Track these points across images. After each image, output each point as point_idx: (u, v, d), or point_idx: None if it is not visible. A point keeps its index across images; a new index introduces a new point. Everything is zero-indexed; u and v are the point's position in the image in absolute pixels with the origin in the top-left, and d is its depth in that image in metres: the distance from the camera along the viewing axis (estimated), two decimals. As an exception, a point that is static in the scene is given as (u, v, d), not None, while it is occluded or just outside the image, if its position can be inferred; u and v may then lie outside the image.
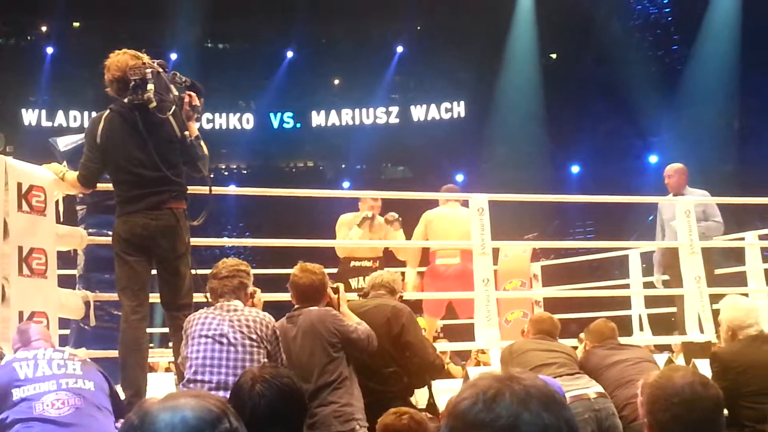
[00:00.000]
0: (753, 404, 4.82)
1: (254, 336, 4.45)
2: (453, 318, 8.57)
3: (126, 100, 4.96)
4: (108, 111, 5.06)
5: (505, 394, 1.54)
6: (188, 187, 5.17)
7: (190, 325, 4.56)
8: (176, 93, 5.06)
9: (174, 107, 5.01)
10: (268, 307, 5.05)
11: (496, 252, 8.60)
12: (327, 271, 5.36)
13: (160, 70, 4.99)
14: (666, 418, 2.79)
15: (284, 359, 4.68)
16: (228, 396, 3.76)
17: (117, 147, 5.00)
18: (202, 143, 5.18)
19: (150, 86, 4.86)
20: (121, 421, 4.18)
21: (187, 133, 5.06)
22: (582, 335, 6.51)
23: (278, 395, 3.29)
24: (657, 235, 8.58)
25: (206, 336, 4.44)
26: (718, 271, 8.78)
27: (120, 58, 5.00)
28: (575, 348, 6.35)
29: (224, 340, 4.41)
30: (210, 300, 4.77)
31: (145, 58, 5.03)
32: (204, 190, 5.38)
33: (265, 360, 4.46)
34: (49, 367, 4.02)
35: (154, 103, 4.87)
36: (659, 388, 2.86)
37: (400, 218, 8.26)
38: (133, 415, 1.67)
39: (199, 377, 4.35)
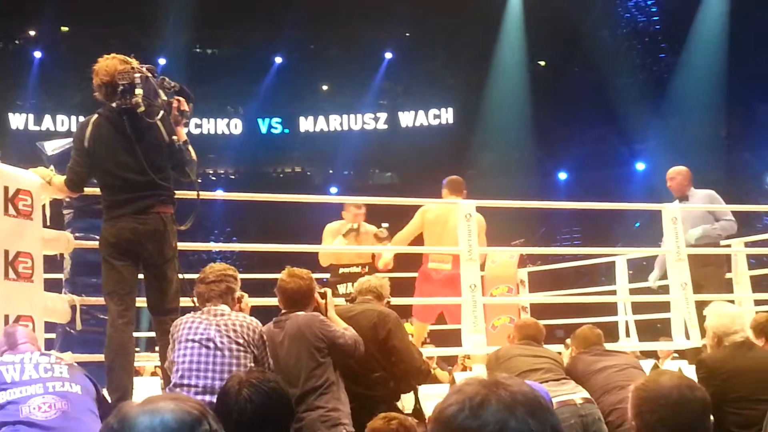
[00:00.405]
0: (739, 410, 4.84)
1: (241, 340, 4.46)
2: (441, 323, 8.58)
3: (114, 105, 4.96)
4: (96, 115, 5.06)
5: (492, 400, 1.54)
6: (176, 192, 5.17)
7: (176, 330, 4.55)
8: (165, 98, 5.06)
9: (162, 112, 5.01)
10: (255, 311, 5.05)
11: (483, 258, 8.62)
12: (315, 276, 5.37)
13: (149, 74, 4.99)
14: (653, 421, 2.80)
15: (271, 364, 4.68)
16: (215, 400, 3.78)
17: (105, 151, 5.00)
18: (190, 148, 5.18)
19: (138, 91, 4.86)
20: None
21: (175, 137, 5.06)
22: (568, 341, 6.53)
23: (265, 400, 3.29)
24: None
25: (193, 340, 4.44)
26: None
27: (108, 63, 5.00)
28: (560, 354, 6.36)
29: (211, 345, 4.41)
30: (197, 304, 4.77)
31: (134, 62, 5.03)
32: (191, 194, 5.38)
33: (252, 365, 4.47)
34: (36, 371, 4.02)
35: (143, 108, 4.87)
36: (646, 391, 2.87)
37: (388, 234, 8.28)
38: (112, 419, 1.67)
39: (185, 381, 4.35)
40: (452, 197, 8.00)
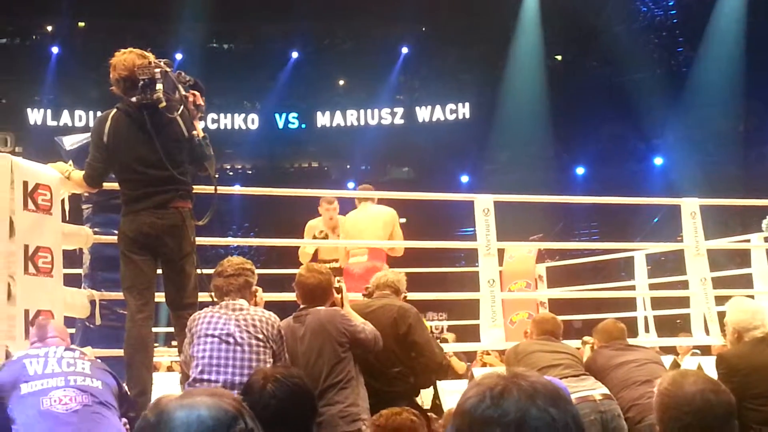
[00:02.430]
0: (759, 406, 4.81)
1: (260, 336, 4.46)
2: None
3: (134, 100, 4.94)
4: (114, 110, 5.05)
5: (512, 390, 1.54)
6: (194, 187, 5.17)
7: (195, 324, 4.55)
8: (183, 92, 5.05)
9: (181, 107, 5.01)
10: (271, 306, 5.05)
11: (501, 253, 8.60)
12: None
13: (168, 69, 4.98)
14: (677, 428, 2.76)
15: (287, 359, 4.68)
16: (234, 396, 3.78)
17: (123, 146, 5.00)
18: (209, 143, 5.18)
19: (159, 86, 4.85)
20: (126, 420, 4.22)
21: (195, 132, 5.05)
22: (586, 338, 6.51)
23: (288, 395, 3.28)
24: None
25: (212, 335, 4.44)
26: (723, 273, 8.74)
27: (126, 57, 4.99)
28: (580, 349, 6.34)
29: (231, 340, 4.41)
30: (214, 299, 4.77)
31: (151, 57, 5.02)
32: (209, 189, 5.37)
33: (271, 360, 4.47)
34: (59, 365, 4.06)
35: (164, 103, 4.85)
36: (670, 396, 2.81)
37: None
38: (149, 413, 1.67)
39: (205, 376, 4.35)
40: (363, 203, 8.16)
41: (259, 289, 4.97)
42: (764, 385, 4.89)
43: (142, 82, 4.88)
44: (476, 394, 1.57)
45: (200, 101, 5.16)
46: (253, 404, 3.20)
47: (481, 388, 1.57)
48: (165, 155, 4.91)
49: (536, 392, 1.54)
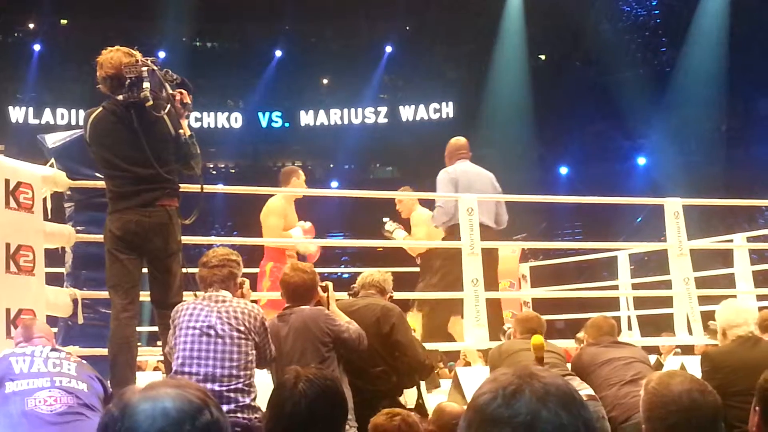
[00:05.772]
0: (742, 404, 4.79)
1: (242, 328, 4.46)
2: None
3: (120, 98, 4.91)
4: (101, 108, 5.02)
5: (525, 391, 1.53)
6: (180, 186, 5.14)
7: (178, 315, 4.56)
8: (170, 90, 5.02)
9: (169, 105, 4.98)
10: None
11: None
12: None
13: (155, 67, 4.95)
14: (664, 427, 2.75)
15: (273, 351, 4.69)
16: (216, 388, 4.04)
17: (109, 144, 4.97)
18: (195, 142, 5.15)
19: (146, 84, 4.82)
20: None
21: (182, 131, 5.03)
22: (579, 335, 6.51)
23: (319, 396, 3.24)
24: None
25: (194, 327, 4.45)
26: (706, 273, 8.77)
27: (113, 55, 4.95)
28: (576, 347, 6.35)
29: (212, 332, 4.42)
30: (196, 295, 4.77)
31: (138, 55, 4.99)
32: (195, 188, 5.34)
33: (254, 352, 4.48)
34: (45, 365, 4.06)
35: (151, 102, 4.82)
36: (657, 395, 2.81)
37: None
38: (113, 407, 1.64)
39: (186, 369, 4.36)
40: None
41: (246, 281, 4.96)
42: (747, 382, 4.86)
43: (128, 81, 4.85)
44: (490, 391, 1.56)
45: (187, 99, 5.13)
46: (284, 402, 3.17)
47: (495, 385, 1.56)
48: (152, 154, 4.89)
49: (548, 394, 1.52)
